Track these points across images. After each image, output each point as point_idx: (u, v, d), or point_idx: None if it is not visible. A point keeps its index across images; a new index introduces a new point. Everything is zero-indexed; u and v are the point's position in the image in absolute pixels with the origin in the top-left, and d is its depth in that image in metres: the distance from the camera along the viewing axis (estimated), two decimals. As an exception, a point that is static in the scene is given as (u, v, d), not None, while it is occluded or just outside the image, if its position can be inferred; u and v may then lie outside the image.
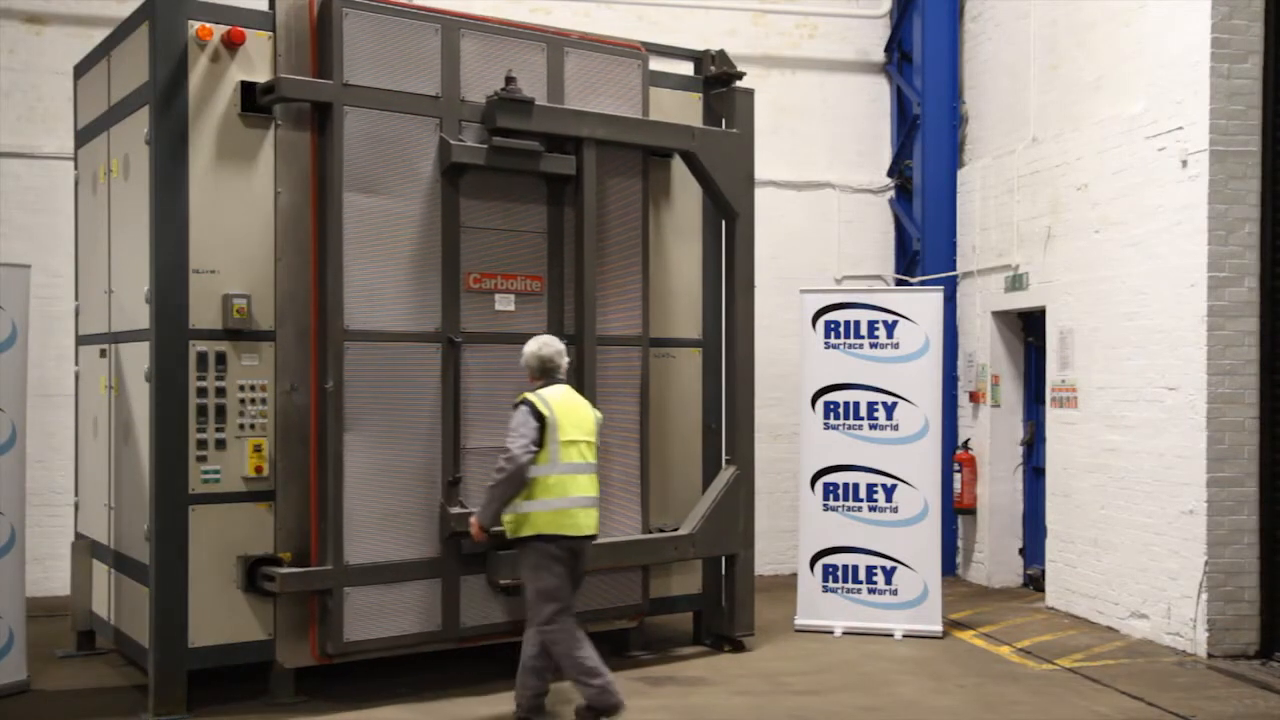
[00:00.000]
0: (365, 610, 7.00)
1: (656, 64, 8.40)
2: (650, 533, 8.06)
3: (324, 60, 6.99)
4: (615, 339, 7.92)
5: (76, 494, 8.38)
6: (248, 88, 6.88)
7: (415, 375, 7.25)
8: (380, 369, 7.11)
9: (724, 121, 8.59)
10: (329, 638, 6.93)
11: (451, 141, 7.29)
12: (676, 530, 8.15)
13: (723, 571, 8.61)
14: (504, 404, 7.43)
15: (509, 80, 7.38)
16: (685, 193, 8.53)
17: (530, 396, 6.62)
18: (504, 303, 7.60)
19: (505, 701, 6.86)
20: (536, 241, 7.73)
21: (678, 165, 8.42)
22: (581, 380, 7.66)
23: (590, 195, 7.76)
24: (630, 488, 7.99)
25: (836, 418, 9.20)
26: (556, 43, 7.80)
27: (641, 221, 8.12)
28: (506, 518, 6.58)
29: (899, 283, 11.79)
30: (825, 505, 9.17)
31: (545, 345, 6.80)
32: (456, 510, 7.26)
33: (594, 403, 7.67)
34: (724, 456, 8.54)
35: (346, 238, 6.99)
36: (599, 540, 7.66)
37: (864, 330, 9.16)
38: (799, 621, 9.17)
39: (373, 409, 7.06)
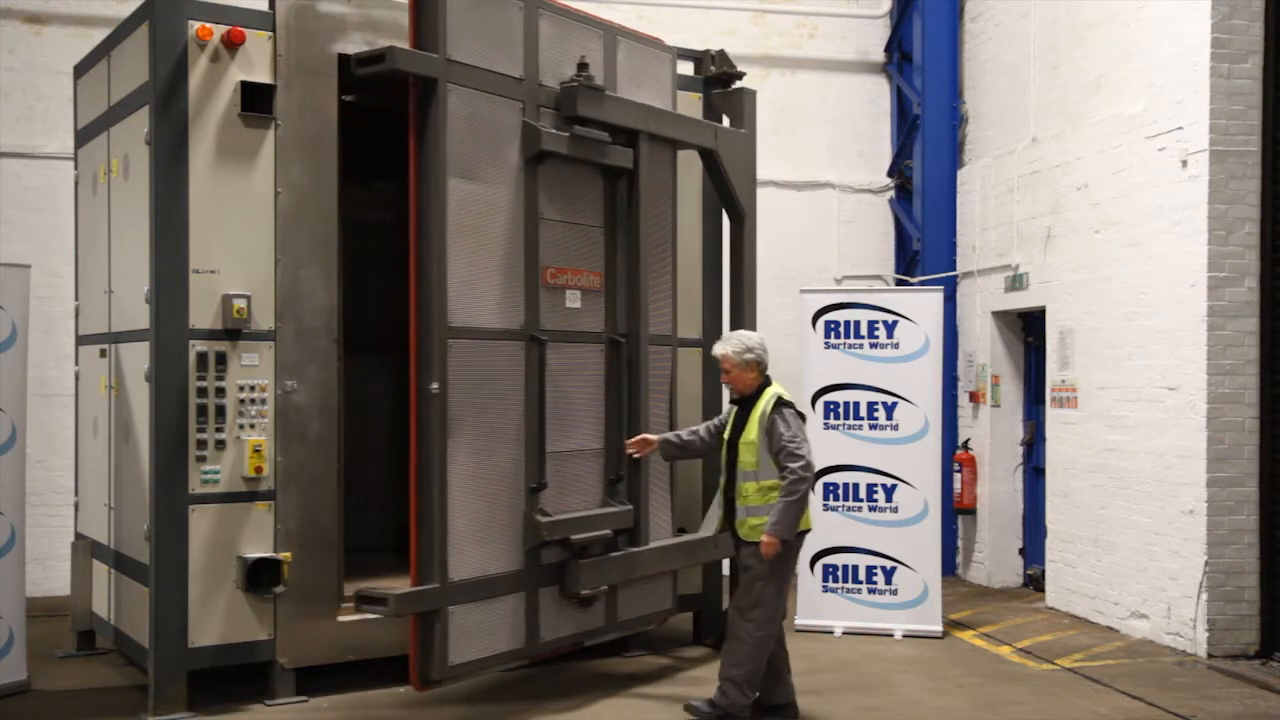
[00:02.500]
0: (466, 630, 6.62)
1: (656, 64, 8.41)
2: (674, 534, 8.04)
3: (424, 33, 6.50)
4: (654, 338, 7.78)
5: (76, 494, 8.38)
6: (248, 88, 6.86)
7: (504, 375, 6.89)
8: (475, 369, 6.71)
9: (724, 121, 8.59)
10: (433, 662, 6.48)
11: (540, 128, 6.99)
12: (683, 531, 8.17)
13: (726, 572, 8.61)
14: (577, 405, 7.30)
15: (582, 66, 7.14)
16: (684, 192, 8.50)
17: (787, 397, 6.62)
18: (573, 299, 7.36)
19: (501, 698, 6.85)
20: (596, 236, 7.52)
21: (678, 164, 8.39)
22: (636, 382, 7.56)
23: (647, 190, 7.63)
24: (662, 489, 7.92)
25: (837, 418, 9.20)
26: (611, 32, 7.63)
27: (671, 219, 8.04)
28: (758, 520, 6.52)
29: (899, 283, 11.79)
30: (825, 505, 9.17)
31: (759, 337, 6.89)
32: (547, 519, 6.96)
33: (646, 405, 7.64)
34: None
35: (448, 227, 6.56)
36: (652, 545, 7.65)
37: (864, 330, 9.16)
38: (799, 621, 9.17)
39: (467, 411, 6.67)
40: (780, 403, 6.61)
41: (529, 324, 7.02)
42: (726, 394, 8.55)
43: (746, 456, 6.62)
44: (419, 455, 6.49)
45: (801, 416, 6.68)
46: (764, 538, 6.43)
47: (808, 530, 6.72)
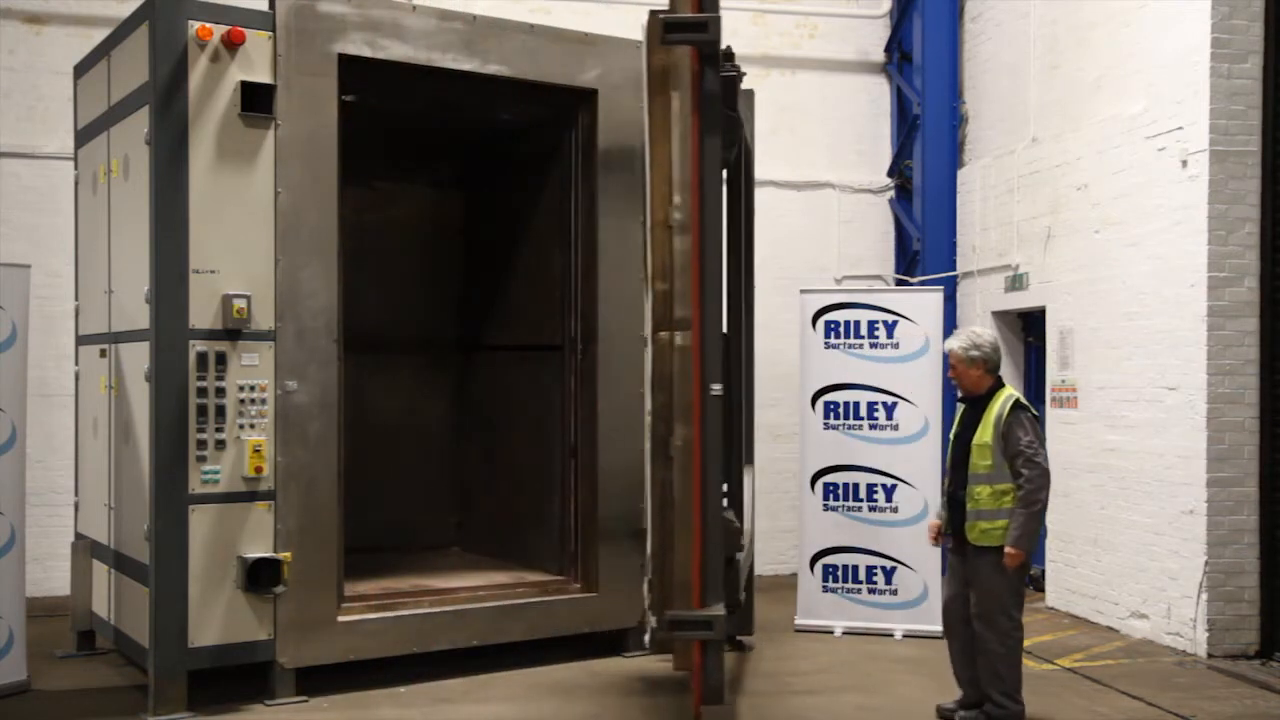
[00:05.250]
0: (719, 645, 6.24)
1: (656, 64, 8.41)
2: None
3: (707, 3, 6.05)
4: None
5: (76, 494, 8.38)
6: (248, 88, 6.86)
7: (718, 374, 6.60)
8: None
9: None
10: (721, 681, 6.11)
11: (739, 117, 6.75)
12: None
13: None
14: None
15: (728, 56, 6.91)
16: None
17: (1023, 400, 6.55)
18: None
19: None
20: None
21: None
22: (730, 379, 7.34)
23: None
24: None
25: (836, 418, 9.20)
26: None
27: None
28: (989, 525, 6.46)
29: (899, 283, 11.79)
30: (825, 505, 9.17)
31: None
32: (737, 526, 6.72)
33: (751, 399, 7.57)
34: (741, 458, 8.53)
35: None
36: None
37: (864, 330, 9.16)
38: (799, 621, 9.17)
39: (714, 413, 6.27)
40: (1018, 405, 6.53)
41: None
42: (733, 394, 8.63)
43: (980, 460, 6.52)
44: (703, 464, 6.06)
45: (1039, 420, 6.62)
46: (1008, 550, 6.37)
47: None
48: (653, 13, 6.25)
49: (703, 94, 5.95)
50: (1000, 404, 6.56)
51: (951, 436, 6.88)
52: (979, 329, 6.89)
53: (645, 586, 6.21)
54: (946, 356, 6.82)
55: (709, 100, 5.96)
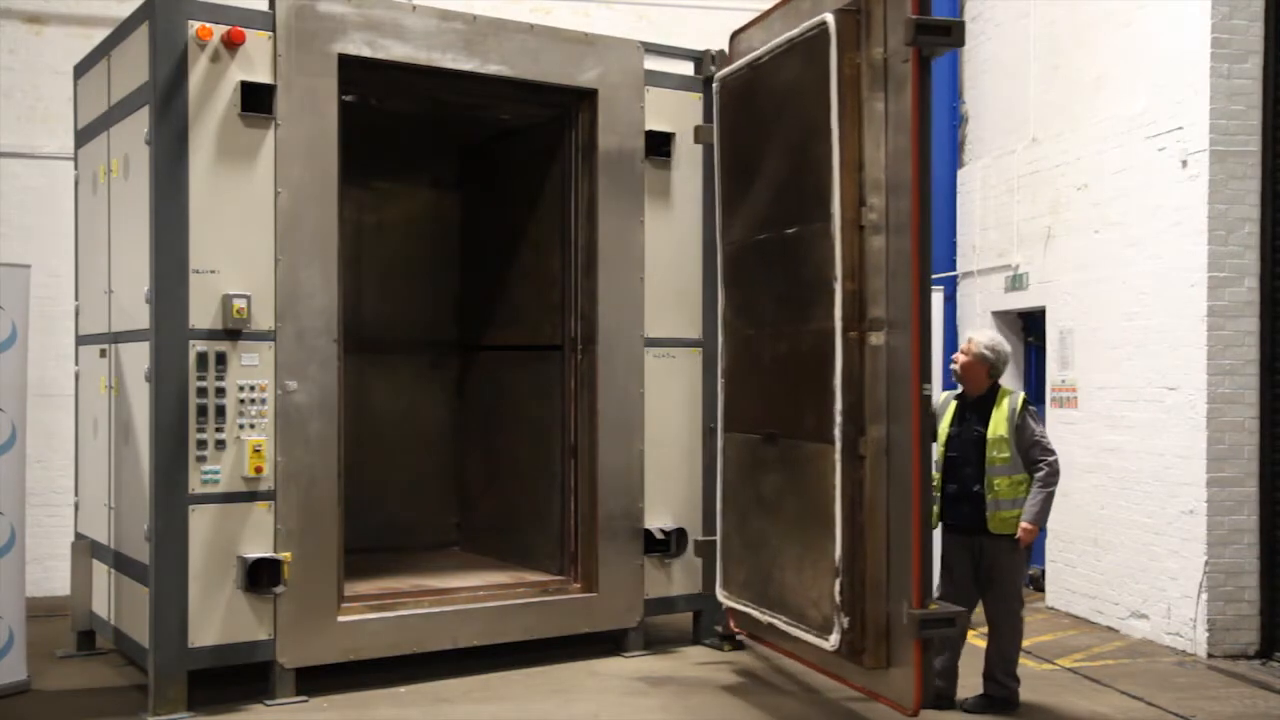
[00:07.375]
0: None
1: (656, 64, 8.40)
2: None
3: (925, 4, 6.09)
4: None
5: (76, 494, 8.38)
6: (248, 88, 6.86)
7: None
8: None
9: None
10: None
11: None
12: (683, 532, 8.19)
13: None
14: None
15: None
16: (683, 191, 8.49)
17: (1024, 396, 6.93)
18: None
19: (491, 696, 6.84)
20: None
21: (677, 163, 8.38)
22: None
23: None
24: None
25: (836, 418, 9.17)
26: None
27: None
28: (1009, 514, 6.80)
29: (899, 283, 11.77)
30: (825, 505, 9.15)
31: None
32: None
33: None
34: None
35: None
36: None
37: (864, 330, 9.12)
38: (799, 621, 9.15)
39: None
40: (1027, 401, 6.95)
41: None
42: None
43: (999, 453, 6.84)
44: (920, 463, 6.05)
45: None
46: (1025, 525, 6.76)
47: None
48: (841, 11, 6.35)
49: (922, 97, 6.06)
50: (1010, 401, 6.92)
51: (947, 433, 7.03)
52: (996, 334, 7.34)
53: (836, 588, 6.21)
54: (964, 345, 7.08)
55: (927, 104, 6.10)
